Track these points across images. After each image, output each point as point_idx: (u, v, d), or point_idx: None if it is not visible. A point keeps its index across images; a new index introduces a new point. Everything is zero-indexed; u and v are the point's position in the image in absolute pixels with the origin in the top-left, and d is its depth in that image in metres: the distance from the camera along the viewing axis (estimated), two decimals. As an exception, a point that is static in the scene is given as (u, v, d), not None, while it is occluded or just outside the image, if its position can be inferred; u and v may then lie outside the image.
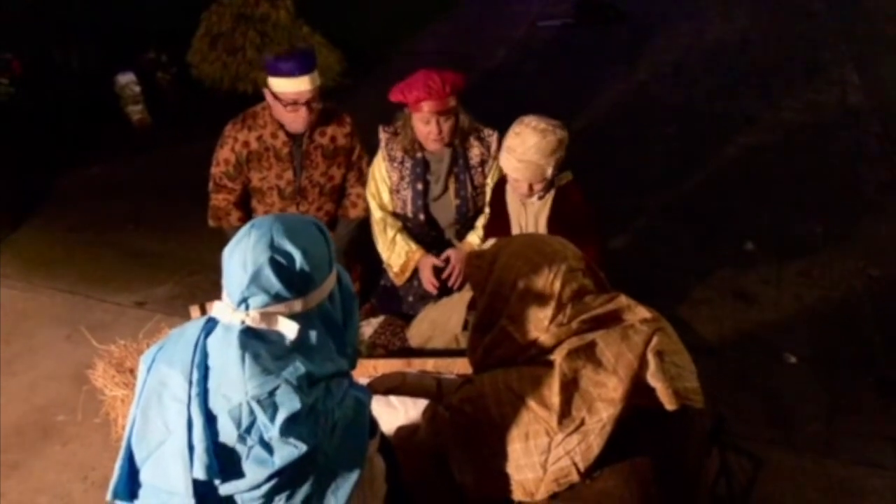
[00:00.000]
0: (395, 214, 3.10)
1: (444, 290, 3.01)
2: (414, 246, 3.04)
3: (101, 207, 4.37)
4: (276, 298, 1.31)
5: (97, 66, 5.39)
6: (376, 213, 3.09)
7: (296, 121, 2.96)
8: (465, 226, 3.11)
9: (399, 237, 3.06)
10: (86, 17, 5.46)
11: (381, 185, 3.06)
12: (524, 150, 2.52)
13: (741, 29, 6.94)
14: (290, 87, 2.87)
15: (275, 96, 2.92)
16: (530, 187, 2.63)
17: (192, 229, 3.83)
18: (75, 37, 5.40)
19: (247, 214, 3.16)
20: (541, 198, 2.71)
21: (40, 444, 2.82)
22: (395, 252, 3.06)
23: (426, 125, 2.83)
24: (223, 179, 3.11)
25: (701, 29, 6.97)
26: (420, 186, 2.99)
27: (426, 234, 3.11)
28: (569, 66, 6.31)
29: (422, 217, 3.04)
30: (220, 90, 5.74)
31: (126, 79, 5.22)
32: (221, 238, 3.02)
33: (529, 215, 2.77)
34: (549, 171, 2.57)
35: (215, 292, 3.19)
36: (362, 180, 3.19)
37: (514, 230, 2.85)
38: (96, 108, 5.26)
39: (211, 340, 1.34)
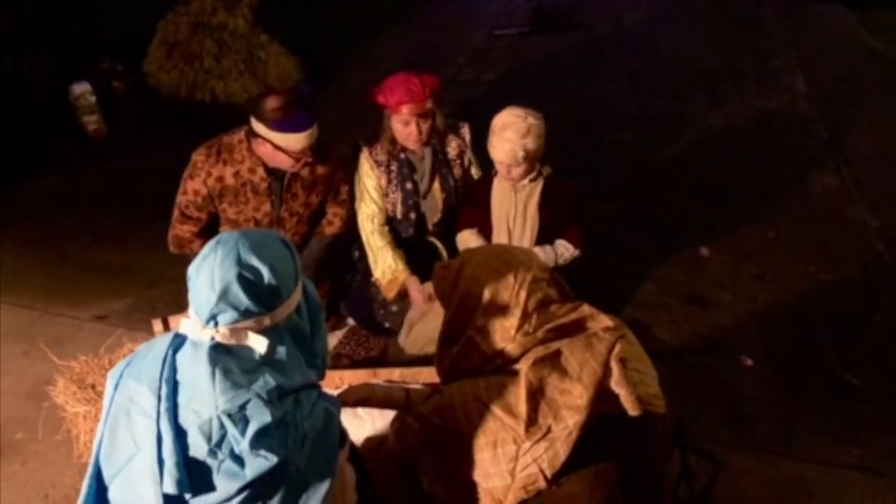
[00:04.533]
0: (384, 222, 3.10)
1: None
2: (400, 266, 3.03)
3: (57, 220, 4.30)
4: (246, 314, 1.31)
5: (51, 77, 5.29)
6: (367, 226, 3.07)
7: (295, 165, 2.76)
8: (449, 217, 3.16)
9: (388, 253, 3.04)
10: (38, 26, 5.34)
11: (374, 192, 3.05)
12: (501, 130, 2.76)
13: (694, 38, 7.07)
14: (299, 143, 2.66)
15: (276, 147, 2.67)
16: (509, 170, 2.83)
17: (151, 241, 3.77)
18: (28, 47, 5.28)
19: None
20: (532, 180, 2.92)
21: (-2, 462, 2.76)
22: (381, 269, 3.04)
23: (406, 126, 2.93)
24: (189, 208, 2.85)
25: (655, 38, 7.10)
26: (409, 186, 3.06)
27: (414, 234, 3.16)
28: (525, 75, 6.37)
29: (412, 216, 3.11)
30: (178, 99, 5.66)
31: (81, 89, 5.13)
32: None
33: (519, 202, 2.94)
34: (521, 154, 2.75)
35: (176, 305, 3.18)
36: (339, 199, 3.07)
37: (498, 220, 2.99)
38: (51, 119, 5.17)
39: (180, 356, 1.34)
